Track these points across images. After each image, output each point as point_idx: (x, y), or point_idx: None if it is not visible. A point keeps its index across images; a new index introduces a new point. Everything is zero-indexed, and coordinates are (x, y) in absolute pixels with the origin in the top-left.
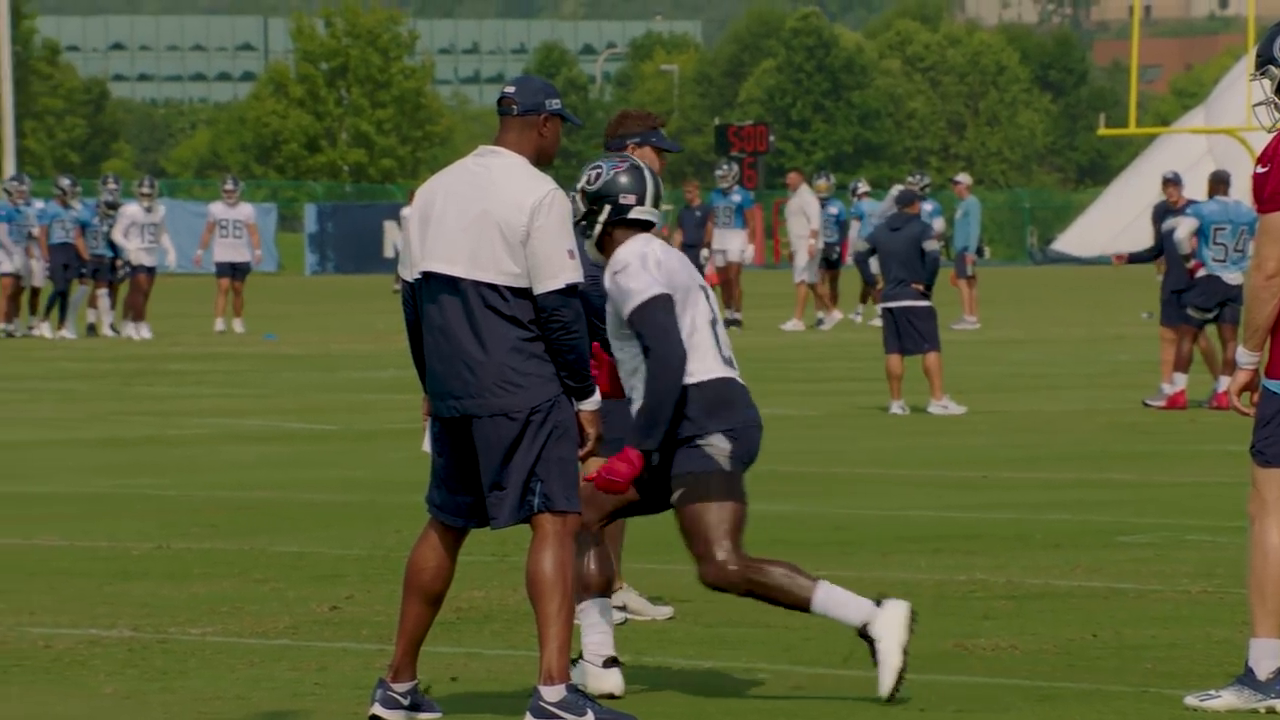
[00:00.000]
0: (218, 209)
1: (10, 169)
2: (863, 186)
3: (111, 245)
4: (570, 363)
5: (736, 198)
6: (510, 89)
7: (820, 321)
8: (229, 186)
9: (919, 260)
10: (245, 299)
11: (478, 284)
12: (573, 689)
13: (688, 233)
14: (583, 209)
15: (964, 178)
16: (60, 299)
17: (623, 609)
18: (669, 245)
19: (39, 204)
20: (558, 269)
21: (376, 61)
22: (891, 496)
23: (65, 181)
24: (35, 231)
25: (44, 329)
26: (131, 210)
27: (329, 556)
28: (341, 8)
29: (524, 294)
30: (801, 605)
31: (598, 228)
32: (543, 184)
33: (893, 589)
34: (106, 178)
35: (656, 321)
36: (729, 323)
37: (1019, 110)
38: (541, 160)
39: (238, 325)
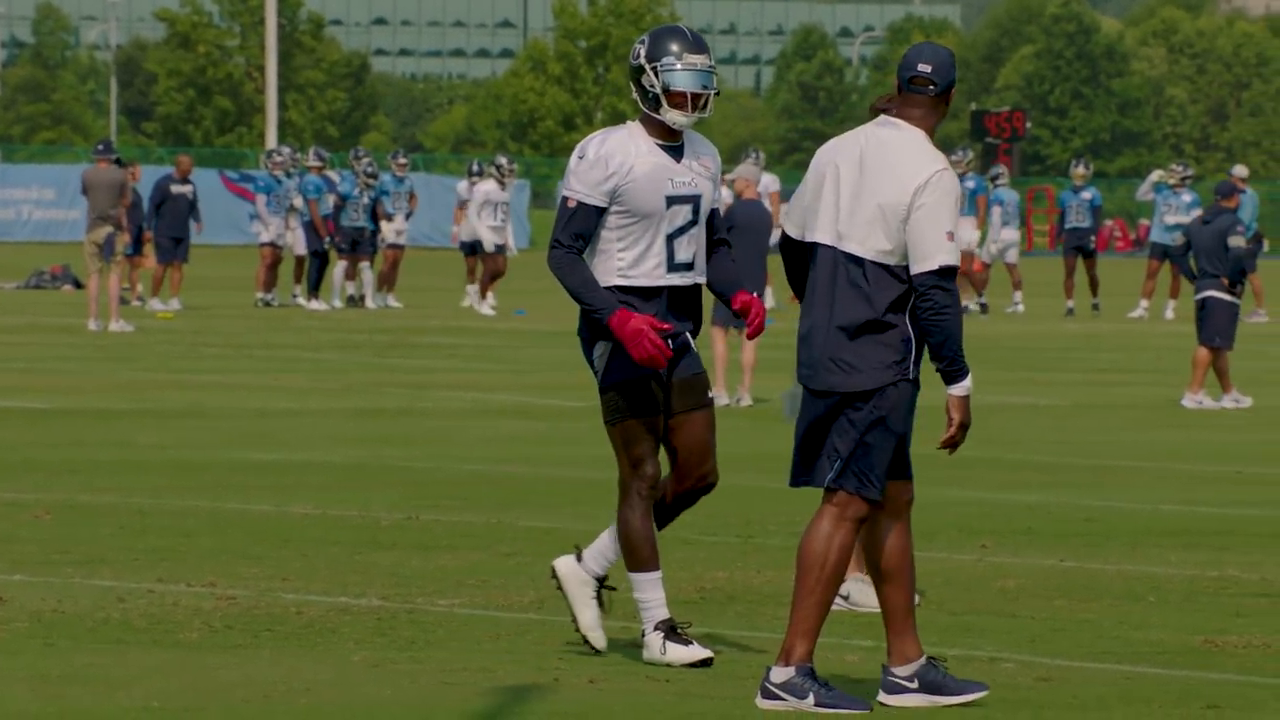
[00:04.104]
0: (464, 188)
1: (272, 140)
2: (1003, 178)
3: (373, 218)
4: (937, 345)
5: (970, 184)
6: (925, 67)
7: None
8: (475, 170)
9: (1225, 254)
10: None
11: (847, 255)
12: (803, 670)
13: None
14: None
15: (1240, 169)
16: (319, 270)
17: (846, 599)
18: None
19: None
20: (934, 249)
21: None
22: (1143, 490)
23: (314, 155)
24: (296, 203)
25: (314, 303)
26: (487, 187)
27: (577, 532)
28: None
29: (887, 272)
30: None
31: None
32: (932, 164)
33: (1141, 583)
34: (358, 151)
35: None
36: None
37: None
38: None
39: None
